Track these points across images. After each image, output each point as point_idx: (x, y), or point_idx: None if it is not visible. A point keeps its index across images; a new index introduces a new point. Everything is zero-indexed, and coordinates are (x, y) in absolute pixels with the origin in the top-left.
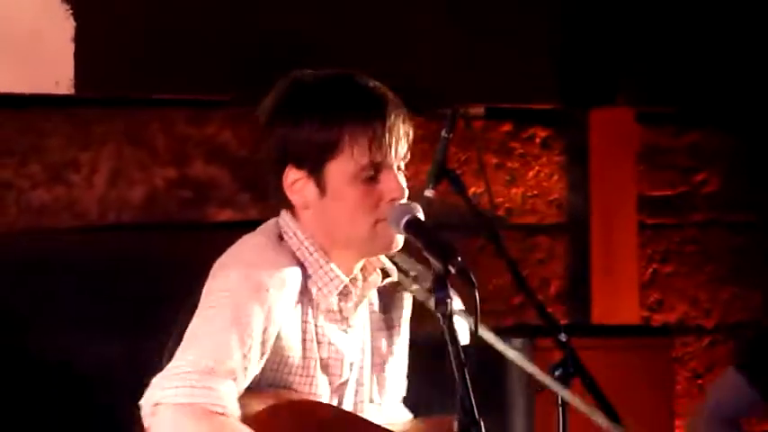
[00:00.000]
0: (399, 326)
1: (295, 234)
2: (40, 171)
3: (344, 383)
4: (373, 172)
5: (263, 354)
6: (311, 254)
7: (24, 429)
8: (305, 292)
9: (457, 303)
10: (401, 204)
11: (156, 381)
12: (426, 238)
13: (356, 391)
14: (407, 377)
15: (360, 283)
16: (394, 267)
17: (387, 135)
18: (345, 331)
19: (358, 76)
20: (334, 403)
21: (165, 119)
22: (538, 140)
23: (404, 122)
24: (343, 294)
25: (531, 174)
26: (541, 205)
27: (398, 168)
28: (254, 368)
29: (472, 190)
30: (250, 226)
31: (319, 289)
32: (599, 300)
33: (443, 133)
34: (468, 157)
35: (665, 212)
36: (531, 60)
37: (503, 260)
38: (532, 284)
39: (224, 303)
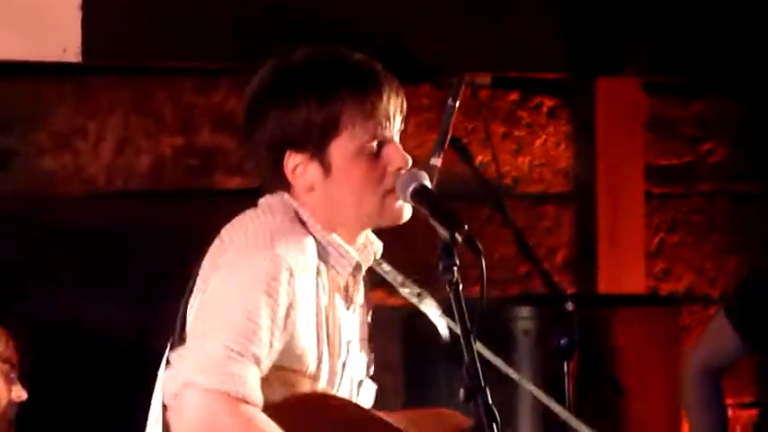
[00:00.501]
0: (369, 300)
1: (306, 213)
2: (47, 139)
3: (344, 362)
4: (376, 146)
5: (285, 339)
6: (322, 233)
7: (30, 393)
8: (320, 272)
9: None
10: (408, 172)
11: (183, 360)
12: (433, 206)
13: (351, 369)
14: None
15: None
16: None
17: (384, 108)
18: (348, 308)
19: (345, 51)
20: (334, 382)
21: (172, 87)
22: (545, 110)
23: (398, 93)
24: (356, 271)
25: (537, 143)
26: (548, 174)
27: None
28: (276, 353)
29: (479, 159)
30: (257, 194)
31: (332, 266)
32: (605, 269)
33: (449, 102)
34: (475, 127)
35: (671, 182)
36: (538, 30)
37: (509, 229)
38: (539, 253)
39: (253, 286)
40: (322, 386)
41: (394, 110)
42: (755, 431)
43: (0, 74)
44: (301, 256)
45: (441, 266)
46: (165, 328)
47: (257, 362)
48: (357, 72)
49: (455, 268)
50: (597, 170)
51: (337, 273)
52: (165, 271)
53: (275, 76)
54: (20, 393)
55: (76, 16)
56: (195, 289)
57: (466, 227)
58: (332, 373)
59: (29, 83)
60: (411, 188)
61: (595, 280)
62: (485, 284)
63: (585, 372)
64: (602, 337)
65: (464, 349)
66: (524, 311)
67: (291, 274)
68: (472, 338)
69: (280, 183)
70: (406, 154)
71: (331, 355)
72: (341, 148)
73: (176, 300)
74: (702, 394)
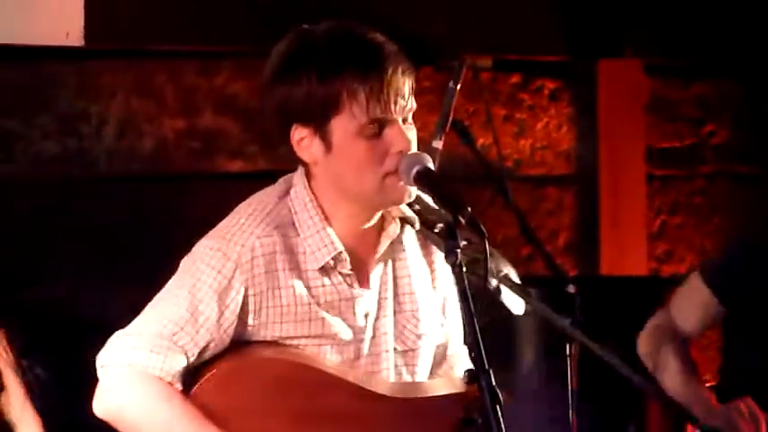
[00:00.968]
0: (432, 271)
1: (302, 194)
2: (51, 122)
3: (360, 337)
4: (377, 128)
5: (224, 323)
6: (311, 217)
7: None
8: (293, 255)
9: (513, 275)
10: (411, 155)
11: (112, 340)
12: (436, 189)
13: (374, 342)
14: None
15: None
16: (416, 216)
17: (385, 89)
18: (351, 283)
19: (356, 28)
20: (345, 358)
21: (174, 70)
22: (546, 92)
23: (404, 75)
24: (337, 260)
25: (539, 125)
26: (550, 157)
27: (404, 121)
28: (215, 338)
29: (480, 141)
30: (259, 177)
31: (312, 252)
32: (607, 251)
33: (451, 84)
34: (477, 109)
35: (673, 164)
36: (539, 12)
37: (511, 211)
38: (541, 236)
39: (186, 273)
40: (333, 358)
41: (398, 91)
42: None
43: (3, 58)
44: (248, 246)
45: (444, 248)
46: None
47: (183, 348)
48: (362, 51)
49: (458, 250)
50: (599, 152)
51: (315, 258)
52: (166, 253)
53: (285, 51)
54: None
55: (79, 1)
56: None
57: (469, 209)
58: (343, 346)
59: (32, 67)
60: (414, 171)
61: (597, 262)
62: (488, 265)
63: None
64: (605, 319)
65: (467, 331)
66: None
67: (233, 265)
68: (475, 320)
69: (296, 157)
70: (410, 137)
71: (331, 331)
72: (341, 126)
73: None
74: (673, 348)
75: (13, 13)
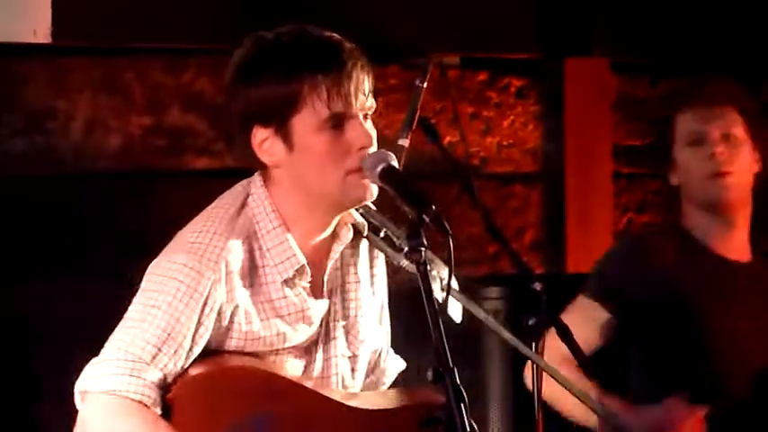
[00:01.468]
0: (372, 276)
1: (262, 203)
2: (18, 119)
3: (314, 343)
4: (337, 122)
5: (198, 340)
6: (274, 227)
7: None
8: (255, 268)
9: (454, 283)
10: (375, 152)
11: (89, 368)
12: (401, 187)
13: (326, 348)
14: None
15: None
16: (365, 222)
17: (345, 83)
18: (309, 293)
19: (312, 28)
20: (301, 364)
21: (140, 67)
22: (513, 90)
23: (363, 71)
24: (299, 273)
25: (506, 123)
26: (517, 154)
27: (365, 117)
28: (190, 354)
29: (447, 139)
30: (226, 174)
31: (275, 265)
32: (574, 249)
33: (417, 82)
34: (444, 107)
35: (640, 162)
36: (506, 10)
37: (477, 209)
38: (507, 233)
39: (160, 292)
40: (289, 365)
41: (358, 86)
42: None
43: None
44: (217, 260)
45: (408, 247)
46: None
47: (160, 366)
48: (319, 48)
49: (423, 249)
50: (565, 150)
51: (279, 272)
52: (132, 251)
53: (246, 53)
54: None
55: None
56: None
57: (434, 207)
58: (301, 355)
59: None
60: (379, 168)
61: (564, 260)
62: (452, 264)
63: None
64: None
65: (432, 329)
66: (493, 292)
67: (206, 280)
68: (440, 319)
69: (254, 161)
70: (369, 132)
71: (292, 340)
72: (302, 124)
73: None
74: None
75: None
